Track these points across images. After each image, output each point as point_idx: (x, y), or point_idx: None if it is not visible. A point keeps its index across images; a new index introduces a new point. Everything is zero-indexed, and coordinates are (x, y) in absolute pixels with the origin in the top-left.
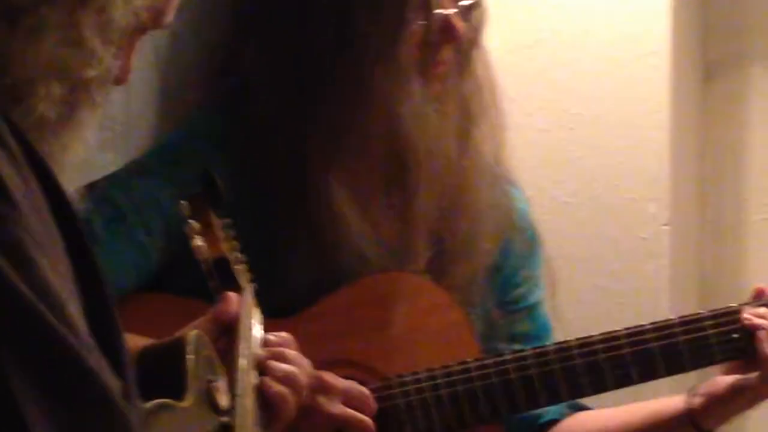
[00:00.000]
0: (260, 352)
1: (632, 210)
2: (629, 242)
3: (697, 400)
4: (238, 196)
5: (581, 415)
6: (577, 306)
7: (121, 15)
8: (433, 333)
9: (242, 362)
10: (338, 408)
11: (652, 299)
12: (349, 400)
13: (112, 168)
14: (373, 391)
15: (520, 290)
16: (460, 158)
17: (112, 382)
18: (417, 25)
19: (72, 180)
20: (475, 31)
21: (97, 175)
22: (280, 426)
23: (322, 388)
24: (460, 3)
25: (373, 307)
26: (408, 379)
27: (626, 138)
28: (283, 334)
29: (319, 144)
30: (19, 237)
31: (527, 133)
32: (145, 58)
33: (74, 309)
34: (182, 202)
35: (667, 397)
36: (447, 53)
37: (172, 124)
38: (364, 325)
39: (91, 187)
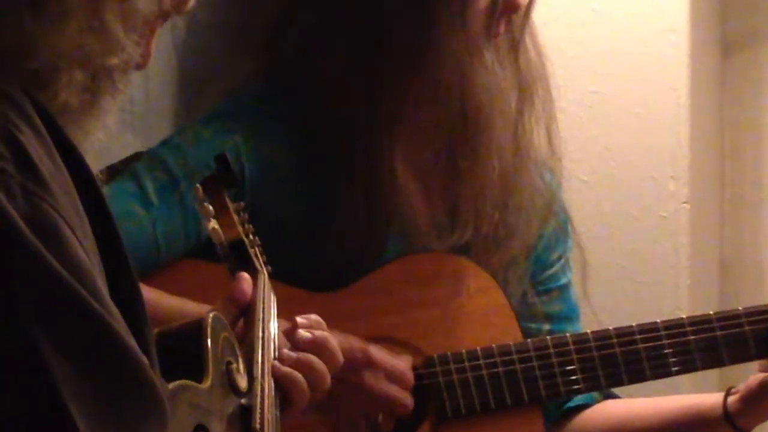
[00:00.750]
0: (277, 334)
1: (651, 188)
2: (648, 220)
3: (734, 399)
4: (294, 163)
5: (613, 403)
6: (597, 285)
7: (144, 2)
8: (475, 315)
9: (259, 345)
10: (383, 384)
11: (671, 277)
12: (390, 376)
13: (131, 149)
14: (414, 368)
15: (552, 271)
16: (516, 136)
17: (144, 359)
18: None
19: (91, 162)
20: (530, 5)
21: (116, 156)
22: (294, 408)
23: (368, 363)
24: None
25: (417, 285)
26: (449, 358)
27: (645, 116)
28: (312, 316)
29: (387, 108)
30: (49, 214)
31: None
32: (163, 39)
33: (102, 287)
34: (196, 185)
35: (704, 393)
36: (505, 25)
37: (191, 103)
38: (407, 303)
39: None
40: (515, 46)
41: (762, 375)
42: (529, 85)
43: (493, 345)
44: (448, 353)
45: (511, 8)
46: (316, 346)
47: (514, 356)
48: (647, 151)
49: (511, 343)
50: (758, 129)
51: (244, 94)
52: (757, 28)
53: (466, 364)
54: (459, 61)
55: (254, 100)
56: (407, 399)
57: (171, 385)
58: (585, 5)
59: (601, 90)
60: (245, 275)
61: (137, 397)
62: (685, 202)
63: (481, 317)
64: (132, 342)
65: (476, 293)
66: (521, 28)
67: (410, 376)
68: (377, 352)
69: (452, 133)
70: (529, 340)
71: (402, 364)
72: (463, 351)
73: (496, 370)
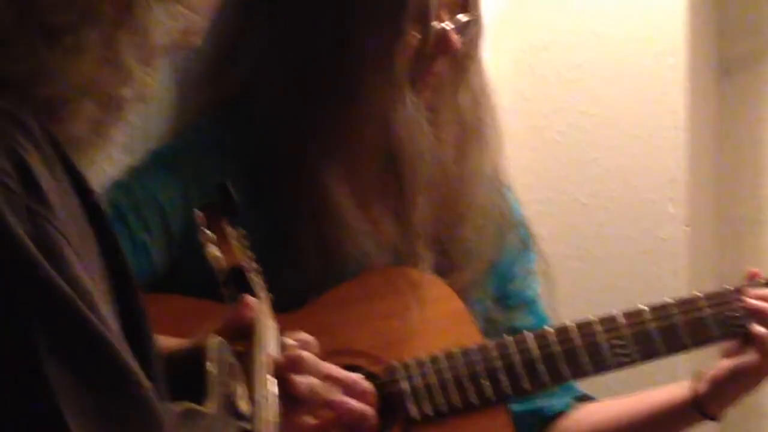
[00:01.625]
0: (278, 359)
1: (651, 210)
2: (648, 243)
3: (701, 386)
4: (243, 194)
5: (588, 406)
6: (597, 307)
7: (156, 35)
8: (435, 322)
9: (260, 370)
10: (345, 400)
11: None
12: (350, 391)
13: None
14: (377, 375)
15: (516, 284)
16: (458, 167)
17: (145, 380)
18: (413, 36)
19: (91, 183)
20: (471, 44)
21: (110, 177)
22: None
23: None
24: (457, 17)
25: (375, 298)
26: (412, 363)
27: (644, 138)
28: (302, 336)
29: (317, 147)
30: (52, 234)
31: (544, 135)
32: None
33: (105, 309)
34: (197, 211)
35: (672, 384)
36: (441, 65)
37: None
38: (365, 316)
39: None
40: (456, 82)
41: (725, 361)
42: (472, 117)
43: (455, 348)
44: (409, 360)
45: (443, 51)
46: (294, 365)
47: (477, 357)
48: (646, 173)
49: (473, 343)
50: (756, 150)
51: (192, 129)
52: (755, 51)
53: (430, 368)
54: (383, 106)
55: (201, 135)
56: (371, 414)
57: (178, 408)
58: (584, 28)
59: (600, 113)
60: (247, 300)
61: (134, 411)
62: (685, 225)
63: (441, 324)
64: (130, 359)
65: (434, 302)
66: (462, 66)
67: (371, 389)
68: (336, 369)
69: (383, 173)
70: (490, 340)
71: (362, 379)
72: (425, 356)
73: (459, 370)
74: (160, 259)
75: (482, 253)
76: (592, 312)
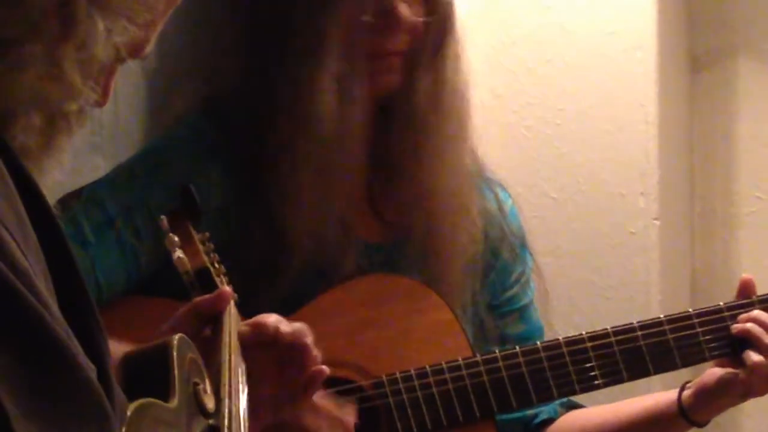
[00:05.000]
0: (243, 329)
1: (621, 205)
2: (618, 237)
3: (688, 393)
4: (226, 195)
5: (575, 413)
6: (567, 302)
7: (101, 50)
8: (423, 333)
9: (225, 367)
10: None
11: (642, 294)
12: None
13: (100, 172)
14: (363, 389)
15: (512, 292)
16: (426, 154)
17: (86, 362)
18: (353, 13)
19: (61, 184)
20: (441, 23)
21: (85, 179)
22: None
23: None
24: None
25: (362, 308)
26: (398, 377)
27: (614, 133)
28: (297, 324)
29: (278, 143)
30: None
31: (514, 130)
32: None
33: (44, 290)
34: (161, 216)
35: (660, 391)
36: (399, 43)
37: (160, 127)
38: (354, 325)
39: (79, 193)
40: (426, 63)
41: (717, 370)
42: (445, 103)
43: (442, 362)
44: (397, 373)
45: (391, 24)
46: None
47: (464, 372)
48: (616, 167)
49: (460, 358)
50: (727, 144)
51: (177, 129)
52: (724, 44)
53: (416, 382)
54: (324, 97)
55: (186, 135)
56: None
57: (136, 402)
58: (555, 25)
59: (570, 107)
60: (224, 291)
61: (73, 396)
62: (655, 219)
63: (430, 335)
64: (71, 344)
65: (423, 312)
66: (432, 46)
67: (352, 425)
68: (320, 399)
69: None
70: (477, 354)
71: (346, 413)
72: (412, 370)
73: (446, 387)
74: (148, 262)
75: (456, 244)
76: (562, 305)
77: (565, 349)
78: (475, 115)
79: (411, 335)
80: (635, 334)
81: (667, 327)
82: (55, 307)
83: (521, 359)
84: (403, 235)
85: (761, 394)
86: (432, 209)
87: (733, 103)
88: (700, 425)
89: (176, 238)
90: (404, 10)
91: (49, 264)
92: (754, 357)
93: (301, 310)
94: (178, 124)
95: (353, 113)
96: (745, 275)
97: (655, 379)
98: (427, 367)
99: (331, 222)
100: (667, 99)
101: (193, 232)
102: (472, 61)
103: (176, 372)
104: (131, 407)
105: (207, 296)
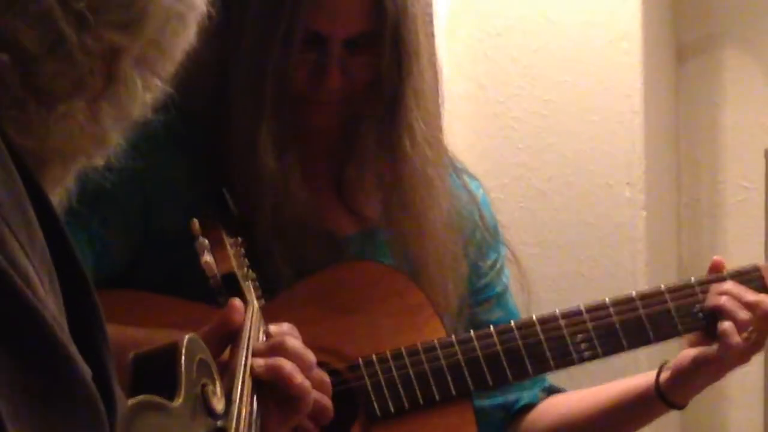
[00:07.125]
0: (259, 346)
1: (607, 195)
2: (605, 227)
3: (665, 376)
4: (197, 188)
5: (556, 398)
6: (554, 292)
7: (138, 107)
8: (397, 316)
9: (240, 371)
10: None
11: (629, 284)
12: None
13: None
14: (340, 372)
15: (487, 279)
16: (394, 145)
17: (82, 363)
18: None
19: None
20: (398, 12)
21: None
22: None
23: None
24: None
25: (337, 294)
26: (374, 359)
27: (600, 123)
28: (285, 325)
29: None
30: None
31: (501, 121)
32: None
33: (45, 293)
34: (193, 219)
35: (638, 374)
36: (336, 92)
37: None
38: (329, 311)
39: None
40: (391, 53)
41: (691, 350)
42: (414, 96)
43: (418, 343)
44: (373, 355)
45: (318, 83)
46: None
47: (439, 351)
48: (603, 158)
49: (435, 340)
50: (713, 134)
51: (150, 122)
52: (710, 34)
53: (392, 363)
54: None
55: (159, 128)
56: (328, 405)
57: (134, 399)
58: (539, 15)
59: (556, 98)
60: (236, 303)
61: (66, 397)
62: (641, 209)
63: (404, 318)
64: (67, 342)
65: (396, 295)
66: (393, 34)
67: (328, 380)
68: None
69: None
70: (452, 335)
71: (318, 370)
72: (387, 352)
73: (421, 366)
74: (119, 252)
75: (436, 233)
76: (549, 296)
77: (538, 327)
78: (460, 107)
79: (386, 319)
80: (607, 311)
81: (639, 302)
82: (56, 307)
83: (495, 338)
84: (375, 225)
85: (733, 367)
86: (402, 199)
87: (718, 93)
88: (679, 407)
89: (206, 242)
90: (335, 79)
91: (56, 267)
92: (727, 327)
93: (276, 298)
94: (151, 116)
95: (293, 167)
96: (716, 257)
97: (643, 360)
98: (403, 348)
99: (298, 217)
100: (653, 89)
101: (225, 237)
102: (458, 52)
103: (183, 372)
104: (129, 403)
105: (218, 317)
